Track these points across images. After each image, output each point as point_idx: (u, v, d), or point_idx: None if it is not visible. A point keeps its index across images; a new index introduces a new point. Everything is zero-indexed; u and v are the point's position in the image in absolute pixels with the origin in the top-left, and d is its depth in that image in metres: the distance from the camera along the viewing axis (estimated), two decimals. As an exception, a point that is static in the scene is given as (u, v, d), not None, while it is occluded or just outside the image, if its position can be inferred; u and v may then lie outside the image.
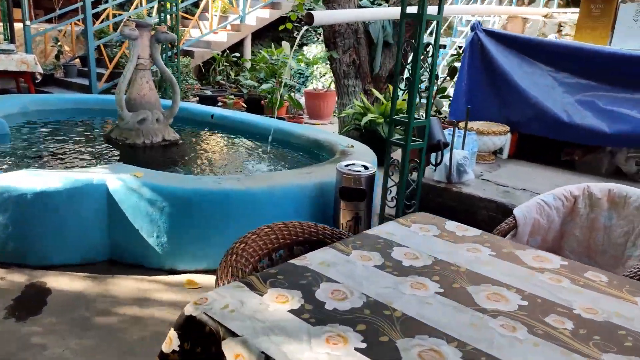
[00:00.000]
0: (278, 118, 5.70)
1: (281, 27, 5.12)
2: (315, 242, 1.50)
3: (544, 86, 3.47)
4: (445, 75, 4.47)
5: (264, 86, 5.60)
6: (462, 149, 3.10)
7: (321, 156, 3.78)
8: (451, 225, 1.56)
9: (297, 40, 5.08)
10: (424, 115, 2.74)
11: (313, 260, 1.25)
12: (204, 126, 4.85)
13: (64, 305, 2.19)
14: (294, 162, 3.73)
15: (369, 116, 4.48)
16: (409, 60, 3.16)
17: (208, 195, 2.54)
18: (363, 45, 5.12)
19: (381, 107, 4.63)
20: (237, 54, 7.86)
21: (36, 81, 7.41)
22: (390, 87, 5.48)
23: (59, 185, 2.47)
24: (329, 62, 5.36)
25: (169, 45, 5.57)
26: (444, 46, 6.73)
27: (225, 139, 4.46)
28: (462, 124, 3.21)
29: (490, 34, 3.69)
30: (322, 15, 3.52)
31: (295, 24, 6.01)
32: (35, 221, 2.47)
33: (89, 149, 3.72)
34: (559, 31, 5.76)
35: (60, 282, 2.37)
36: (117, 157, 3.61)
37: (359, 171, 2.70)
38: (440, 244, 1.41)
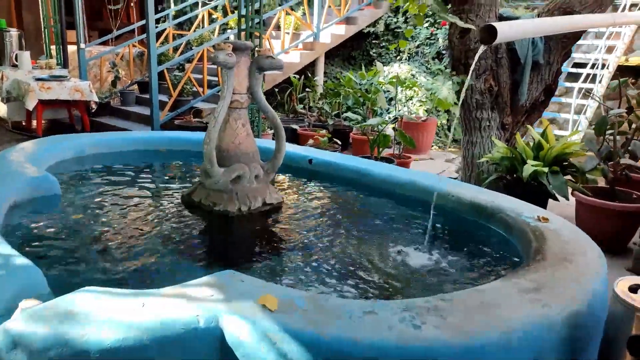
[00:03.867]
0: (384, 159, 4.55)
1: (393, 46, 3.98)
2: None
3: None
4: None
5: (372, 121, 4.47)
6: None
7: (491, 233, 2.58)
8: None
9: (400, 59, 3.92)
10: None
11: None
12: (300, 175, 3.75)
13: None
14: (466, 253, 2.52)
15: (531, 164, 3.25)
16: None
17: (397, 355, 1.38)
18: (504, 68, 3.91)
19: (544, 150, 3.39)
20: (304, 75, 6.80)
21: (91, 111, 6.61)
22: (537, 122, 4.25)
23: (142, 334, 1.38)
24: (453, 90, 4.17)
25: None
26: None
27: (338, 197, 3.33)
28: None
29: None
30: (508, 29, 2.35)
31: (373, 40, 4.91)
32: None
33: (166, 223, 2.66)
34: None
35: None
36: (208, 239, 2.53)
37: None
38: None
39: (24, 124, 6.60)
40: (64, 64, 7.64)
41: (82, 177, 3.45)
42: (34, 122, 6.29)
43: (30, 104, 5.89)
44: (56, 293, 1.86)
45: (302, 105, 6.52)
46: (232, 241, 2.55)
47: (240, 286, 1.64)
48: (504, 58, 3.89)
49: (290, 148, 3.96)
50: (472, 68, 3.24)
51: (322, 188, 3.48)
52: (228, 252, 2.39)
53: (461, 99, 3.32)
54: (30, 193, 2.74)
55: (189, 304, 1.51)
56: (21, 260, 1.79)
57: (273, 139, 3.52)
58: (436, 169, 5.34)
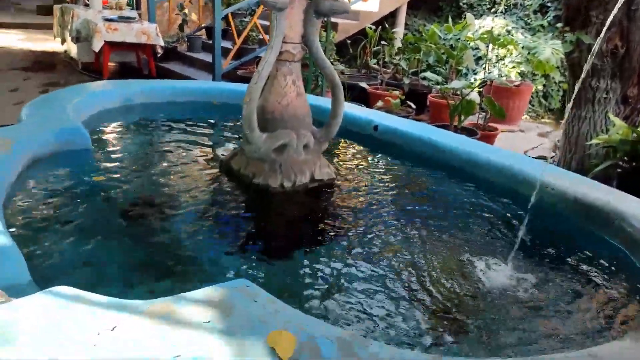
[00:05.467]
0: (465, 130, 3.88)
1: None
2: None
3: None
4: None
5: (456, 84, 3.78)
6: None
7: (605, 248, 1.94)
8: None
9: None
10: None
11: None
12: (362, 143, 3.21)
13: None
14: (566, 275, 1.87)
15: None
16: None
17: None
18: (638, 23, 3.03)
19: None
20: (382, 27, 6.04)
21: (157, 55, 6.39)
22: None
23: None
24: (562, 51, 3.35)
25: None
26: None
27: (405, 176, 2.77)
28: None
29: None
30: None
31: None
32: None
33: (199, 193, 2.27)
34: None
35: None
36: (241, 218, 2.11)
37: None
38: None
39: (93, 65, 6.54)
40: (136, 6, 7.45)
41: (123, 130, 3.17)
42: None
43: (97, 45, 5.75)
44: (45, 281, 1.56)
45: (375, 61, 5.84)
46: (267, 223, 2.12)
47: (250, 309, 1.21)
48: (639, 10, 3.01)
49: (353, 110, 3.42)
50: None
51: (387, 163, 2.93)
52: (260, 237, 1.97)
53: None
54: (57, 147, 2.46)
55: (172, 334, 1.09)
56: (2, 240, 1.48)
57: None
58: (526, 144, 4.55)
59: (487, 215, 2.26)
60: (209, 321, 1.15)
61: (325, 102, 3.41)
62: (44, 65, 6.65)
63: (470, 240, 2.01)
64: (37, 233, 1.78)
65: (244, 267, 1.74)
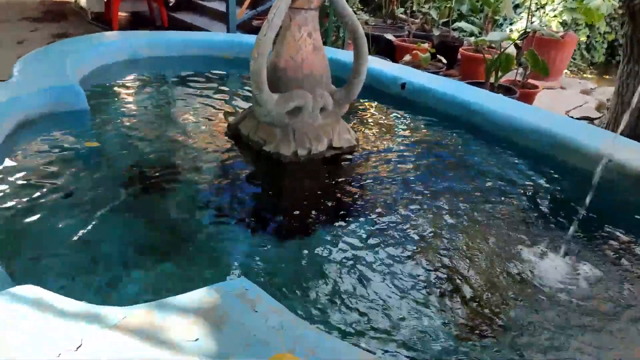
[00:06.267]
0: (502, 88, 3.49)
1: None
2: None
3: None
4: None
5: (493, 35, 3.36)
6: None
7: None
8: None
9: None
10: None
11: None
12: (387, 103, 2.90)
13: None
14: (633, 270, 1.58)
15: None
16: None
17: None
18: None
19: None
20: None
21: (169, 4, 6.03)
22: None
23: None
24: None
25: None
26: None
27: (436, 142, 2.45)
28: None
29: None
30: None
31: None
32: None
33: (204, 161, 2.01)
34: None
35: None
36: (249, 190, 1.86)
37: None
38: None
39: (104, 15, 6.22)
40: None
41: (127, 88, 2.91)
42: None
43: (105, -6, 5.42)
44: (34, 263, 1.37)
45: (402, 10, 5.37)
46: (279, 198, 1.87)
47: (248, 321, 0.98)
48: None
49: (378, 65, 3.08)
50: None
51: (415, 127, 2.62)
52: (271, 213, 1.73)
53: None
54: (48, 108, 2.23)
55: (148, 357, 0.87)
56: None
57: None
58: (569, 104, 4.14)
59: (530, 189, 1.97)
60: (197, 339, 0.93)
61: (346, 56, 3.07)
62: (54, 16, 6.37)
63: (512, 219, 1.74)
64: (26, 207, 1.58)
65: (251, 247, 1.53)
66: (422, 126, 2.61)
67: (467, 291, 1.39)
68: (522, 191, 1.96)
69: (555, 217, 1.79)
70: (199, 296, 1.04)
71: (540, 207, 1.86)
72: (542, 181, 2.04)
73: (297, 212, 1.75)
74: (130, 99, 2.72)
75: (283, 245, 1.57)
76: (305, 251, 1.53)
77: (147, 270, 1.40)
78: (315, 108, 2.01)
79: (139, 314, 0.98)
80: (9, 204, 1.59)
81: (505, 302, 1.36)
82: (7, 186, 1.68)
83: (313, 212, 1.73)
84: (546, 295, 1.38)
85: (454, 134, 2.48)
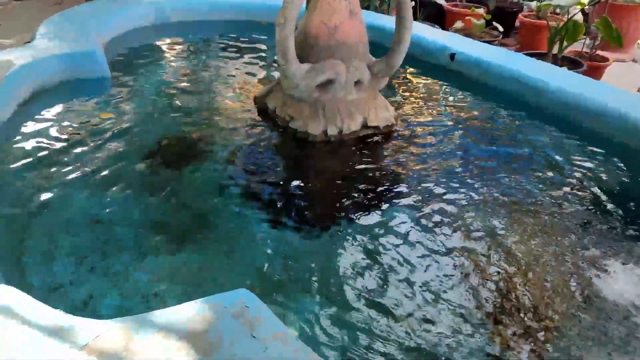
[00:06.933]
0: (567, 60, 3.09)
1: None
2: None
3: None
4: None
5: (562, 0, 2.94)
6: None
7: None
8: None
9: None
10: None
11: None
12: (434, 76, 2.60)
13: None
14: None
15: None
16: None
17: None
18: None
19: None
20: None
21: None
22: None
23: None
24: None
25: None
26: None
27: (489, 122, 2.16)
28: None
29: None
30: None
31: None
32: None
33: (231, 136, 1.82)
34: None
35: None
36: (273, 172, 1.67)
37: None
38: None
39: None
40: None
41: (153, 54, 2.74)
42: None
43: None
44: (45, 244, 1.25)
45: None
46: (305, 182, 1.67)
47: (244, 350, 0.80)
48: None
49: (424, 33, 2.76)
50: None
51: (464, 104, 2.32)
52: (295, 199, 1.54)
53: None
54: (65, 75, 2.11)
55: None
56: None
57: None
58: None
59: (595, 183, 1.67)
60: (179, 371, 0.76)
61: (388, 22, 2.77)
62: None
63: (572, 220, 1.47)
64: (37, 184, 1.48)
65: (272, 236, 1.37)
66: (473, 104, 2.31)
67: (513, 300, 1.15)
68: (589, 185, 1.67)
69: (626, 218, 1.50)
70: (189, 312, 0.87)
71: (608, 204, 1.57)
72: (614, 174, 1.74)
73: (323, 200, 1.55)
74: (156, 66, 2.55)
75: (306, 235, 1.39)
76: (331, 242, 1.34)
77: (162, 257, 1.27)
78: (349, 81, 1.77)
79: (113, 334, 0.82)
80: (18, 178, 1.48)
81: (553, 311, 1.12)
82: (15, 159, 1.57)
83: (341, 200, 1.52)
84: (609, 310, 1.13)
85: (509, 115, 2.17)
